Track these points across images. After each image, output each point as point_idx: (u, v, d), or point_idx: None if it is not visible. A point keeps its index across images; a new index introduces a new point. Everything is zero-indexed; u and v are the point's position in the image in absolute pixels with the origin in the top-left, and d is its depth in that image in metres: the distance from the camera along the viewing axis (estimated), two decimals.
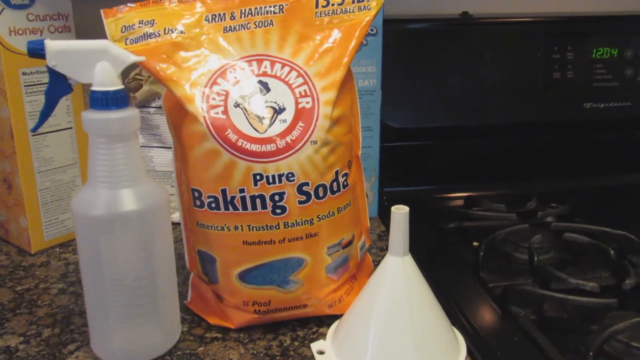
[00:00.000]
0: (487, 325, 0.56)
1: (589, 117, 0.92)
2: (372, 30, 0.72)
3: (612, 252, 0.67)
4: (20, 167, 0.67)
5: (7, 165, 0.69)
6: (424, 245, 0.72)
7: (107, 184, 0.46)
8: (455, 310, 0.57)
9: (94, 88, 0.45)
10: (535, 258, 0.66)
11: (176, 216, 0.62)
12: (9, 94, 0.65)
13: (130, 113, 0.46)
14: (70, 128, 0.71)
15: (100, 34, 0.50)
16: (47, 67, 0.45)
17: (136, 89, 0.76)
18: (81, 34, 0.74)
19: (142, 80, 0.76)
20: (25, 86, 0.66)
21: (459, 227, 0.79)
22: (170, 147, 0.77)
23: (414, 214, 0.49)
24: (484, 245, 0.70)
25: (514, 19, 0.90)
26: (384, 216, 0.81)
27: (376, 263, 0.64)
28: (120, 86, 0.46)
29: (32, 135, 0.68)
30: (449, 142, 0.91)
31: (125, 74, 0.75)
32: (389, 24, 0.76)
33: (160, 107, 0.76)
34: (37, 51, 0.45)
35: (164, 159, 0.78)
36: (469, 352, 0.51)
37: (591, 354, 0.49)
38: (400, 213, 0.48)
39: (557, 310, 0.60)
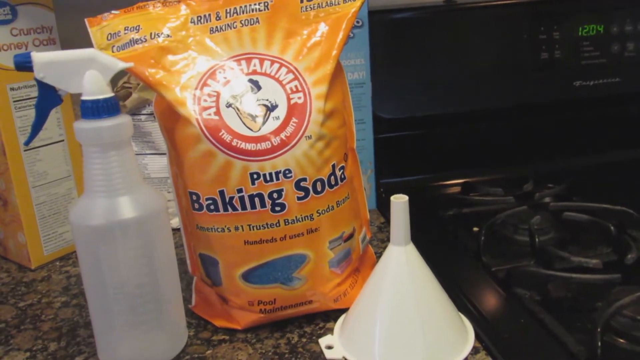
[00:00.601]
0: (493, 309, 0.56)
1: (579, 96, 0.92)
2: (358, 22, 0.71)
3: (612, 228, 0.68)
4: (14, 183, 0.67)
5: (1, 183, 0.68)
6: (423, 234, 0.71)
7: (104, 193, 0.46)
8: (460, 296, 0.57)
9: (84, 97, 0.45)
10: (536, 239, 0.66)
11: (175, 222, 0.62)
12: None
13: (123, 120, 0.46)
14: (62, 140, 0.71)
15: (86, 44, 0.50)
16: (36, 79, 0.45)
17: (125, 97, 0.76)
18: (66, 46, 0.73)
19: (130, 88, 0.76)
20: (14, 102, 0.66)
21: (457, 214, 0.79)
22: (163, 154, 0.77)
23: (411, 204, 0.48)
24: (484, 229, 0.70)
25: (498, 2, 0.90)
26: (382, 208, 0.81)
27: (378, 255, 0.64)
28: (111, 94, 0.45)
29: (25, 151, 0.67)
30: (441, 130, 0.91)
31: (113, 82, 0.74)
32: (374, 15, 0.76)
33: (151, 114, 0.76)
34: (24, 64, 0.44)
35: (158, 165, 0.78)
36: (477, 336, 0.51)
37: (599, 329, 0.49)
38: (399, 202, 0.48)
39: (561, 290, 0.60)
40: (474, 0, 0.92)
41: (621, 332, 0.52)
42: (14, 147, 0.66)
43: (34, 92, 0.67)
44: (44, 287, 0.65)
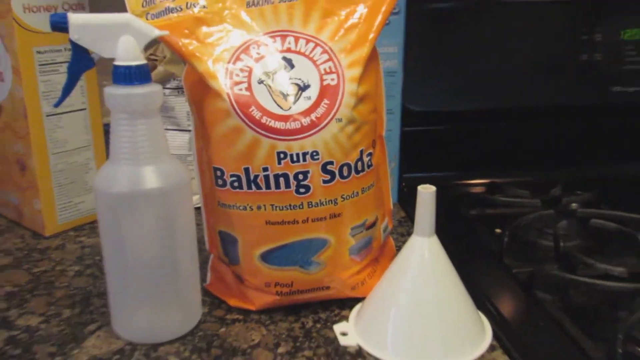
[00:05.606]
0: (512, 310, 0.57)
1: (617, 101, 0.92)
2: (395, 8, 0.72)
3: None
4: (34, 149, 0.69)
5: (20, 147, 0.70)
6: (444, 231, 0.72)
7: (130, 161, 0.47)
8: (479, 294, 0.58)
9: (116, 62, 0.46)
10: (561, 244, 0.66)
11: (195, 199, 0.63)
12: (23, 74, 0.66)
13: (153, 89, 0.47)
14: (84, 109, 0.73)
15: (113, 12, 0.51)
16: (70, 40, 0.47)
17: (150, 69, 0.77)
18: (94, 12, 0.75)
19: (156, 60, 0.77)
20: (39, 65, 0.68)
21: (481, 214, 0.80)
22: (184, 130, 0.79)
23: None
24: (508, 231, 0.70)
25: None
26: (403, 202, 0.82)
27: (397, 248, 0.65)
28: (143, 61, 0.47)
29: (46, 116, 0.69)
30: (470, 127, 0.92)
31: None
32: (412, 3, 0.76)
33: (175, 89, 0.78)
34: (59, 24, 0.46)
35: (179, 141, 0.80)
36: (495, 335, 0.52)
37: (620, 337, 0.50)
38: (427, 192, 0.49)
39: (583, 296, 0.61)
40: None
41: None
42: (36, 112, 0.68)
43: (60, 57, 0.69)
44: (57, 255, 0.67)
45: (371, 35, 0.53)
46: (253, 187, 0.51)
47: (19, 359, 0.49)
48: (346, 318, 0.54)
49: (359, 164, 0.53)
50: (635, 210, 0.75)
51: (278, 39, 0.52)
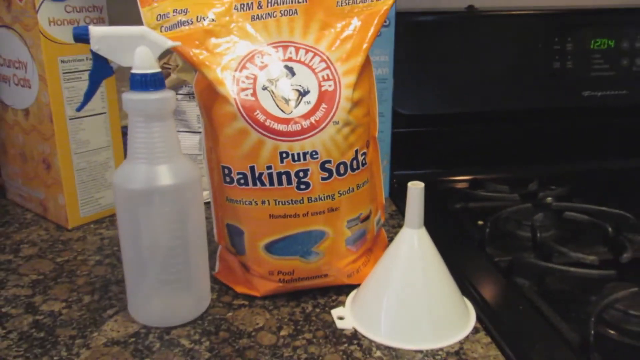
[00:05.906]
0: (493, 295, 0.57)
1: (587, 105, 0.92)
2: (385, 21, 0.71)
3: (609, 229, 0.68)
4: (58, 149, 0.68)
5: (46, 147, 0.69)
6: (432, 224, 0.72)
7: (145, 160, 0.47)
8: (464, 281, 0.58)
9: (133, 71, 0.46)
10: (538, 234, 0.66)
11: (205, 194, 0.63)
12: (49, 81, 0.66)
13: (167, 94, 0.47)
14: (104, 113, 0.72)
15: (131, 25, 0.50)
16: (91, 50, 0.46)
17: (164, 77, 0.76)
18: (113, 25, 0.74)
19: (170, 69, 0.77)
20: (63, 73, 0.67)
21: (465, 208, 0.80)
22: (195, 132, 0.78)
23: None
24: (489, 222, 0.70)
25: (517, 12, 0.90)
26: (394, 197, 0.82)
27: (389, 239, 0.65)
28: (158, 69, 0.46)
29: (70, 119, 0.68)
30: (455, 128, 0.92)
31: None
32: (401, 16, 0.76)
33: (187, 95, 0.77)
34: (81, 36, 0.46)
35: (189, 142, 0.79)
36: (478, 318, 0.52)
37: (592, 319, 0.50)
38: (416, 188, 0.48)
39: (558, 282, 0.60)
40: (494, 8, 0.92)
41: (612, 325, 0.52)
42: (61, 116, 0.68)
43: (82, 66, 0.68)
44: (79, 246, 0.66)
45: (364, 46, 0.52)
46: (258, 183, 0.50)
47: (42, 341, 0.49)
48: (343, 303, 0.54)
49: (354, 162, 0.52)
50: (604, 204, 0.75)
51: (280, 49, 0.52)
